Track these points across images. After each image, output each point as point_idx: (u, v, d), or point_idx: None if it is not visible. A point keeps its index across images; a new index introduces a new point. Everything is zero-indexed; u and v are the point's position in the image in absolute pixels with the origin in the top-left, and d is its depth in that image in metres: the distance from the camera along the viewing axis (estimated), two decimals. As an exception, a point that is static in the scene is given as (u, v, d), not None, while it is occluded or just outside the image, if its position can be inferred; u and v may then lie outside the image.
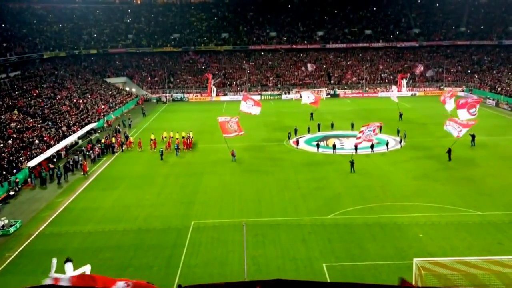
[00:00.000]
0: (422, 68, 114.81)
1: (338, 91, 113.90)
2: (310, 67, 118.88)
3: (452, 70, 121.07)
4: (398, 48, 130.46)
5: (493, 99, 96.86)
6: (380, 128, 59.60)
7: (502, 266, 27.58)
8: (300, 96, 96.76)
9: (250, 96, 70.77)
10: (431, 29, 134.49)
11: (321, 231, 36.21)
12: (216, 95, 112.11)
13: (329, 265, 30.99)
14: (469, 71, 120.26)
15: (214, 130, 70.17)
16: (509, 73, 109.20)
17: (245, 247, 29.33)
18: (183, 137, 66.26)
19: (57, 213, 41.89)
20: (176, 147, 60.71)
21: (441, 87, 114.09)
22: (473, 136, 60.78)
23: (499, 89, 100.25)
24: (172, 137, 67.10)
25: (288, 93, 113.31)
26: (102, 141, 66.11)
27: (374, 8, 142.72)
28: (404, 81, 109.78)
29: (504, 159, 55.38)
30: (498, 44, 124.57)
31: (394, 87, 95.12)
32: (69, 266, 18.39)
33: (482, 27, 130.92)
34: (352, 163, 51.04)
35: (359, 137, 54.06)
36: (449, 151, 54.44)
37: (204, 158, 59.19)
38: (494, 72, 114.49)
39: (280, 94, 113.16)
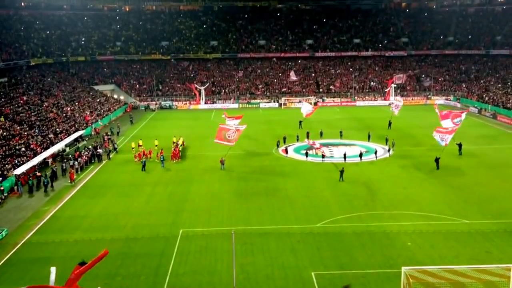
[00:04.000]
0: (403, 77, 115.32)
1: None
2: (292, 76, 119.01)
3: (440, 79, 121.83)
4: (386, 57, 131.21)
5: (476, 107, 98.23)
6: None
7: (490, 275, 27.64)
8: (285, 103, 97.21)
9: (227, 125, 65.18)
10: (419, 38, 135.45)
11: (310, 239, 36.17)
12: (205, 103, 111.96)
13: (318, 273, 30.92)
14: (457, 81, 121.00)
15: (203, 138, 70.21)
16: (496, 83, 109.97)
17: (234, 255, 29.24)
18: (173, 142, 66.05)
19: (43, 222, 41.52)
20: (161, 158, 59.46)
21: (429, 96, 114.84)
22: (460, 145, 61.27)
23: (486, 98, 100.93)
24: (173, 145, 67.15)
25: (277, 101, 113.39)
26: (135, 146, 67.21)
27: (363, 17, 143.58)
28: (392, 89, 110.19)
29: (491, 167, 55.72)
30: (486, 54, 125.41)
31: (398, 98, 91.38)
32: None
33: (470, 37, 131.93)
34: (341, 172, 51.11)
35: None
36: (437, 160, 54.75)
37: (193, 166, 58.93)
38: (482, 81, 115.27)
39: (258, 103, 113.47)
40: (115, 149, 68.11)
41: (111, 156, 64.51)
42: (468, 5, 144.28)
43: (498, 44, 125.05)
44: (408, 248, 34.37)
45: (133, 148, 67.02)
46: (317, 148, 59.66)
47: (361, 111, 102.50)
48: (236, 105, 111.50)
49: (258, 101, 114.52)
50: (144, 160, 58.37)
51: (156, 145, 67.06)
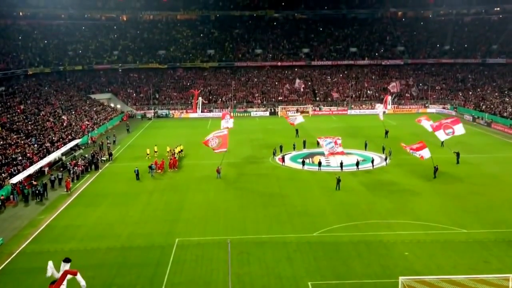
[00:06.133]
0: (398, 85, 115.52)
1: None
2: (298, 84, 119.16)
3: (437, 88, 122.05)
4: (383, 66, 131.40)
5: (472, 115, 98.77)
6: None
7: (488, 285, 27.51)
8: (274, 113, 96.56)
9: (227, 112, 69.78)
10: (415, 47, 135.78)
11: (307, 249, 35.97)
12: (202, 111, 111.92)
13: (315, 283, 30.71)
14: (453, 89, 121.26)
15: (199, 146, 69.85)
16: (493, 92, 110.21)
17: (230, 265, 29.06)
18: (174, 152, 65.75)
19: (39, 231, 41.26)
20: (150, 167, 58.95)
21: (426, 105, 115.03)
22: (457, 154, 61.18)
23: (483, 107, 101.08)
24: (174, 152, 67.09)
25: (274, 110, 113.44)
26: (151, 152, 67.53)
27: (359, 26, 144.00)
28: (389, 98, 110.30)
29: (488, 176, 55.67)
30: (482, 63, 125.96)
31: (378, 105, 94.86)
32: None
33: (466, 45, 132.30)
34: (338, 181, 50.94)
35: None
36: (435, 170, 54.68)
37: (189, 175, 58.78)
38: (478, 90, 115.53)
39: (249, 112, 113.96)
40: (110, 156, 68.03)
41: (103, 165, 64.42)
42: (464, 14, 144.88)
43: (495, 53, 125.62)
44: (406, 258, 34.18)
45: (148, 154, 67.19)
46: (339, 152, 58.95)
47: (358, 119, 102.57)
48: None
49: (249, 110, 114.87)
50: (136, 168, 58.04)
51: (168, 150, 67.34)
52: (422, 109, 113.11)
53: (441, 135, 63.07)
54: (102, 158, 66.22)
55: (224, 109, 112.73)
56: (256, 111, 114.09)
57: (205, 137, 61.01)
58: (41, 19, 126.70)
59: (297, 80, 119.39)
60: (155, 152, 67.64)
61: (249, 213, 44.50)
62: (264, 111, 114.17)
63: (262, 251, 35.61)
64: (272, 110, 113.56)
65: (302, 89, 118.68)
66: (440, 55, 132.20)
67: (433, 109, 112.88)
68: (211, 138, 59.80)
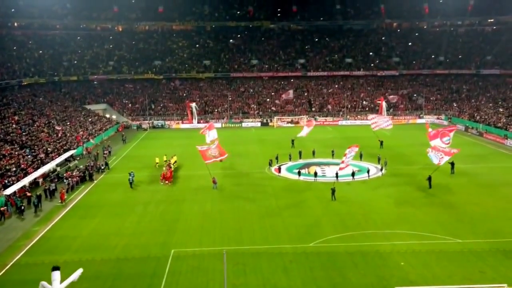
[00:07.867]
0: (396, 98, 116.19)
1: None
2: (286, 95, 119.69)
3: (431, 99, 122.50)
4: (378, 77, 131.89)
5: (463, 125, 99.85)
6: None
7: (484, 295, 27.53)
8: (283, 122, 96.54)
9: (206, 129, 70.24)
10: (410, 58, 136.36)
11: (303, 259, 35.89)
12: (198, 122, 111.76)
13: (311, 294, 30.65)
14: (448, 100, 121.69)
15: (195, 157, 69.75)
16: (487, 102, 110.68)
17: (226, 275, 28.94)
18: (170, 163, 65.49)
19: (33, 242, 41.00)
20: (130, 174, 58.77)
21: (421, 115, 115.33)
22: (452, 164, 61.28)
23: (477, 117, 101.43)
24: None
25: (270, 120, 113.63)
26: (160, 161, 67.44)
27: (354, 37, 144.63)
28: (384, 108, 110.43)
29: (483, 186, 55.77)
30: (476, 73, 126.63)
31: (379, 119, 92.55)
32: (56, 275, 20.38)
33: (460, 56, 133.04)
34: (333, 191, 50.91)
35: (343, 162, 55.09)
36: (429, 179, 54.81)
37: (185, 186, 58.66)
38: (473, 100, 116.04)
39: (241, 122, 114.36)
40: (107, 165, 68.00)
41: (98, 176, 64.29)
42: (459, 25, 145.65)
43: (489, 63, 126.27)
44: (401, 268, 34.14)
45: (157, 163, 67.09)
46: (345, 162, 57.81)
47: (352, 130, 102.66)
48: (219, 124, 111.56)
49: (244, 120, 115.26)
50: (131, 178, 58.05)
51: (175, 161, 67.36)
52: (412, 120, 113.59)
53: (437, 143, 62.76)
54: (102, 168, 66.31)
55: (219, 120, 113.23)
56: (252, 121, 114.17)
57: (202, 150, 59.21)
58: (36, 29, 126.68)
59: (289, 91, 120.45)
60: (164, 161, 67.53)
61: (245, 223, 44.42)
62: (258, 121, 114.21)
63: (258, 262, 35.49)
64: (265, 121, 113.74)
65: (289, 98, 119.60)
66: (435, 66, 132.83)
67: (423, 119, 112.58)
68: (211, 150, 59.17)
